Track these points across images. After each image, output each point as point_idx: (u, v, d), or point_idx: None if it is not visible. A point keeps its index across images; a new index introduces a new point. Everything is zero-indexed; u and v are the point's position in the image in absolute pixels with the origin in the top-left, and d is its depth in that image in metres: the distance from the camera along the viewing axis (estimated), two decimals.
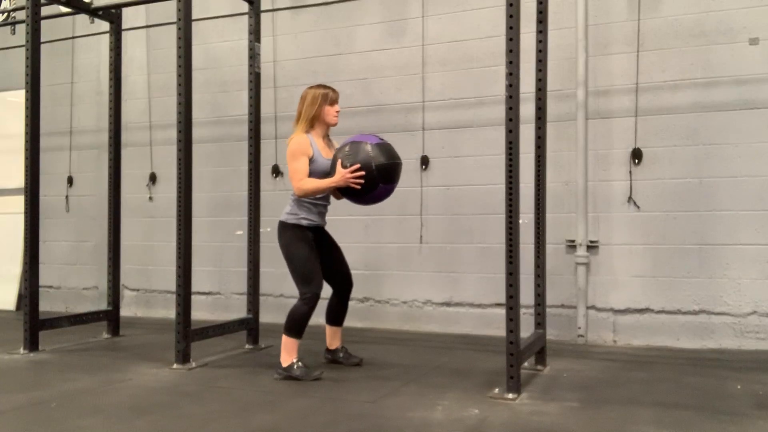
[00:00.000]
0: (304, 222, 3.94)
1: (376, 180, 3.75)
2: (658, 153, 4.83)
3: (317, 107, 3.93)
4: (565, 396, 3.45)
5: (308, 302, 3.85)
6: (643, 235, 4.86)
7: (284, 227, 3.97)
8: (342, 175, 3.71)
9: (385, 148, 3.83)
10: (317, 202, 3.97)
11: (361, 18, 5.74)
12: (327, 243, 4.11)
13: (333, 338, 4.28)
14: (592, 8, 4.98)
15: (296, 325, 3.85)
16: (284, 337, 3.88)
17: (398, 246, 5.58)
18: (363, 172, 3.70)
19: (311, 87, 4.03)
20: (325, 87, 4.01)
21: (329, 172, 3.84)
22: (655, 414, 3.14)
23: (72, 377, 4.01)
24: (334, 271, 4.13)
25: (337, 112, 4.01)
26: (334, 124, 4.03)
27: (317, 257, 3.96)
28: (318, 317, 5.38)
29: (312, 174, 3.86)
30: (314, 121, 3.96)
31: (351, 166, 3.70)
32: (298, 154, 3.85)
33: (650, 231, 4.84)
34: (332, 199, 4.08)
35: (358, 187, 3.73)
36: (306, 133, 3.94)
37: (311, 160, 3.87)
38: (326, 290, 4.03)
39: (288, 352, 3.86)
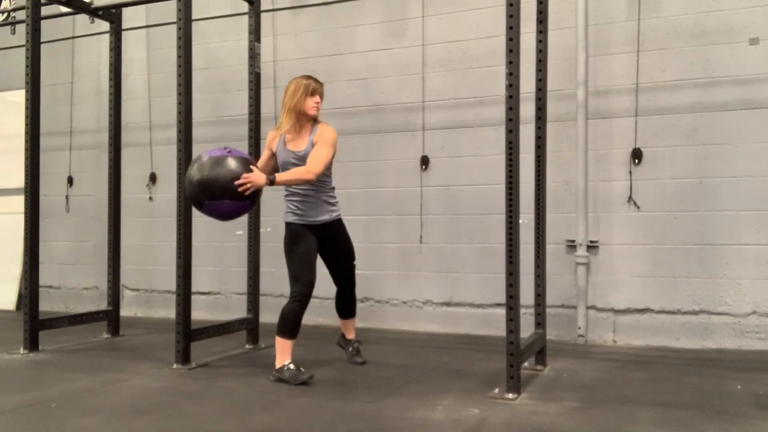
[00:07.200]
0: (290, 218, 3.97)
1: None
2: (658, 153, 4.83)
3: (297, 98, 3.90)
4: (565, 396, 3.45)
5: (295, 301, 3.83)
6: (643, 235, 4.86)
7: (286, 224, 4.01)
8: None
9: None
10: (290, 197, 3.97)
11: (361, 18, 5.73)
12: (331, 238, 4.04)
13: (345, 329, 4.35)
14: (592, 8, 4.98)
15: (286, 324, 3.81)
16: (276, 338, 3.85)
17: (398, 246, 5.58)
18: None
19: (296, 77, 4.00)
20: (308, 78, 3.98)
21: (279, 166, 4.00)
22: (655, 414, 3.14)
23: (72, 377, 4.01)
24: (333, 266, 4.15)
25: (317, 103, 3.94)
26: (313, 116, 3.95)
27: (310, 255, 3.91)
28: (317, 317, 5.38)
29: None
30: (295, 111, 3.91)
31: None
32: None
33: (650, 231, 4.84)
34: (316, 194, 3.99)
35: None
36: (278, 129, 3.99)
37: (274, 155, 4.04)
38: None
39: (281, 353, 3.82)
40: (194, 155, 4.29)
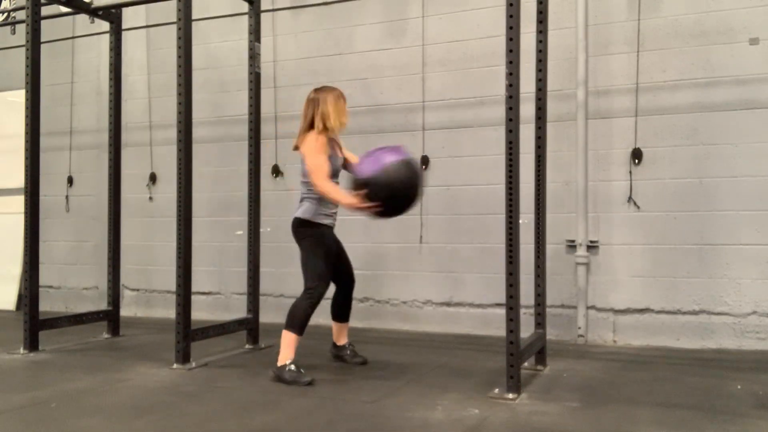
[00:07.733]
0: (327, 220, 4.01)
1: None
2: (658, 153, 4.83)
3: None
4: (565, 396, 3.45)
5: (312, 298, 3.88)
6: (643, 235, 4.86)
7: (307, 224, 3.97)
8: (354, 204, 3.73)
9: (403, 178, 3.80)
10: (324, 201, 3.99)
11: (361, 18, 5.73)
12: (336, 242, 4.16)
13: (339, 334, 4.32)
14: (592, 8, 4.98)
15: (297, 320, 3.84)
16: (284, 332, 3.86)
17: (398, 246, 5.58)
18: (377, 209, 3.73)
19: (322, 90, 4.04)
20: (335, 88, 4.07)
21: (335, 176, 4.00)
22: (655, 414, 3.14)
23: (72, 377, 4.01)
24: (340, 269, 4.17)
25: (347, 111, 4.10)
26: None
27: (332, 258, 4.02)
28: (317, 317, 5.38)
29: None
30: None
31: (374, 201, 3.69)
32: (320, 151, 3.89)
33: (650, 231, 4.84)
34: None
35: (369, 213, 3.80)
36: (321, 134, 3.95)
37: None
38: (331, 289, 4.06)
39: (286, 348, 3.83)
40: (194, 155, 4.32)
